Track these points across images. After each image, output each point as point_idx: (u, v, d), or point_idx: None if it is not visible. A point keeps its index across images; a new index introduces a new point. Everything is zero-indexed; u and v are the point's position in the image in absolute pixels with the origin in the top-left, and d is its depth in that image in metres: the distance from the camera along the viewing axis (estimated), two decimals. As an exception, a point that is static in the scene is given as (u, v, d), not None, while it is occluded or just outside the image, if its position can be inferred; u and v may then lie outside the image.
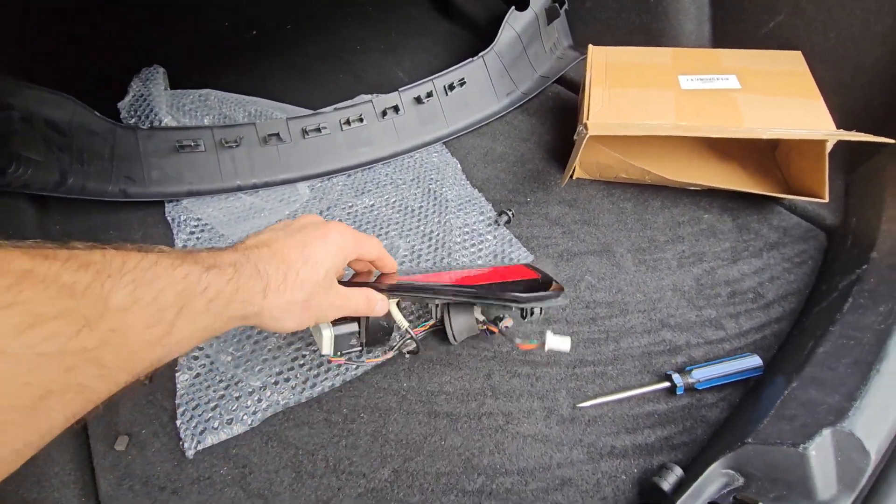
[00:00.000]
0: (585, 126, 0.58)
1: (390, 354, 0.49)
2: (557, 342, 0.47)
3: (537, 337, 0.47)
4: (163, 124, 0.73)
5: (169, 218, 0.68)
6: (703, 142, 0.71)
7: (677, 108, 0.62)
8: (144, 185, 0.70)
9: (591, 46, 0.74)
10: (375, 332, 0.45)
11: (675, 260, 0.60)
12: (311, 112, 0.75)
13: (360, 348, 0.46)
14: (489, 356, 0.52)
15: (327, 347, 0.44)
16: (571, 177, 0.69)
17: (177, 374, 0.49)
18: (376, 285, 0.43)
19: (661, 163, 0.65)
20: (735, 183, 0.65)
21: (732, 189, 0.64)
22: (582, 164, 0.67)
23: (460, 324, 0.49)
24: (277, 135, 0.71)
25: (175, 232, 0.66)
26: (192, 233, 0.66)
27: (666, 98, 0.64)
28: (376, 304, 0.42)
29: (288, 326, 0.34)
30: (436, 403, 0.48)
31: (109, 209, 0.68)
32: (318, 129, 0.72)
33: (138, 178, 0.69)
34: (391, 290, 0.44)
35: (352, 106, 0.74)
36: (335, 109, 0.73)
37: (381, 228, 0.66)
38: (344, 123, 0.73)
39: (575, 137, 0.61)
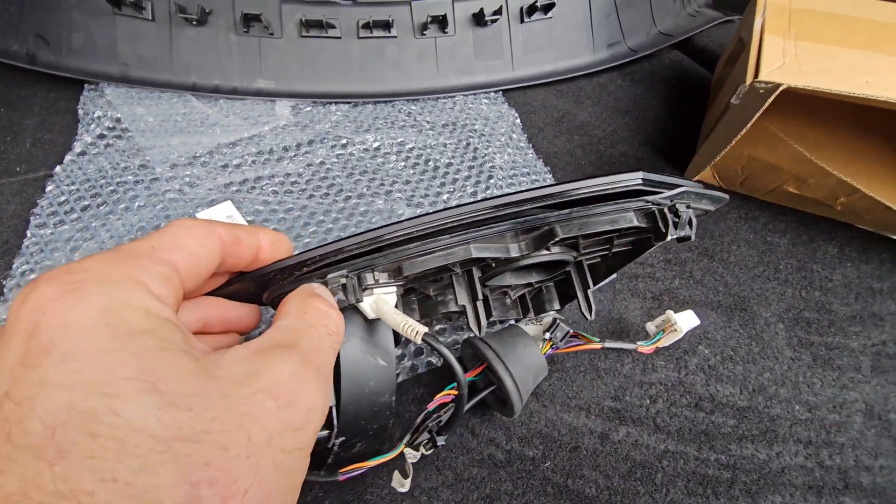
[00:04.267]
0: (763, 81, 0.31)
1: (400, 449, 0.22)
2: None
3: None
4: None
5: (81, 111, 0.46)
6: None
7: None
8: (60, 53, 0.48)
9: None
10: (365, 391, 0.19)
11: (869, 356, 0.33)
12: None
13: (331, 439, 0.19)
14: (538, 484, 0.27)
15: None
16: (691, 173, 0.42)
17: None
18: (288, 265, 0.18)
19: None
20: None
21: None
22: (725, 159, 0.40)
23: (522, 365, 0.25)
24: (261, 20, 0.47)
25: (79, 132, 0.44)
26: (102, 136, 0.44)
27: (903, 69, 0.36)
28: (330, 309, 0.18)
29: None
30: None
31: (7, 74, 0.47)
32: (323, 26, 0.48)
33: (54, 40, 0.48)
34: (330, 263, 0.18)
35: (380, 2, 0.49)
36: (355, 3, 0.49)
37: (381, 185, 0.42)
38: (363, 27, 0.49)
39: (734, 101, 0.35)
